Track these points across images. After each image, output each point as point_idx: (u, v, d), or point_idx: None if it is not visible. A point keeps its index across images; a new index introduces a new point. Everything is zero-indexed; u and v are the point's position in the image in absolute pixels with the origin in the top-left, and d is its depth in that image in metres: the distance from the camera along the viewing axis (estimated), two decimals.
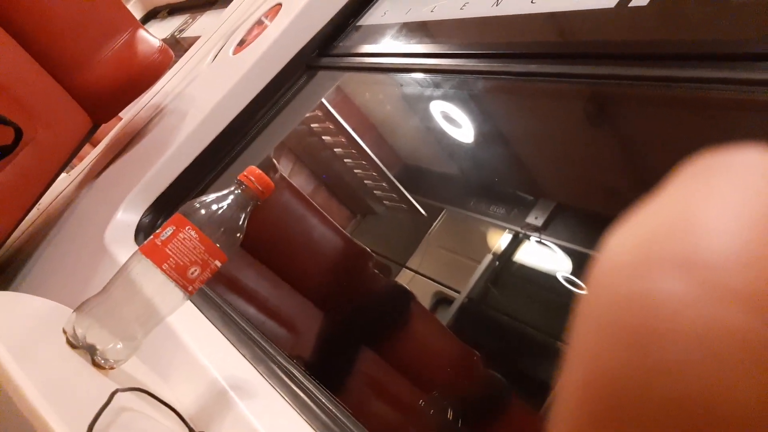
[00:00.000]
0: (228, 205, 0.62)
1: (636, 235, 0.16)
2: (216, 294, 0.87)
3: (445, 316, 1.19)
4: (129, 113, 1.47)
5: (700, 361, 0.13)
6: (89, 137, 1.19)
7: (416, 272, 1.30)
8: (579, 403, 0.15)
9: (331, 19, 1.14)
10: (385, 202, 1.48)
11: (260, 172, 0.63)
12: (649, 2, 0.68)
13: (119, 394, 0.53)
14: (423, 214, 1.42)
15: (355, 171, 1.53)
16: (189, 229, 0.60)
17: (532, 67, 0.81)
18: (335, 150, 1.54)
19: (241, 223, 0.63)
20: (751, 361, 0.13)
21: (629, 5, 0.71)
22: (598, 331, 0.15)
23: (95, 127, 1.19)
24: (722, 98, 0.61)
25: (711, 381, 0.13)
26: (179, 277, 0.59)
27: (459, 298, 1.20)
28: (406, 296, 1.21)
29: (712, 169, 0.16)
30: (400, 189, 1.45)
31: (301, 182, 1.52)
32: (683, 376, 0.13)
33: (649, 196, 0.17)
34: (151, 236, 0.62)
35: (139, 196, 1.01)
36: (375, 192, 1.49)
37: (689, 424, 0.13)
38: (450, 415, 0.95)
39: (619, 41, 0.72)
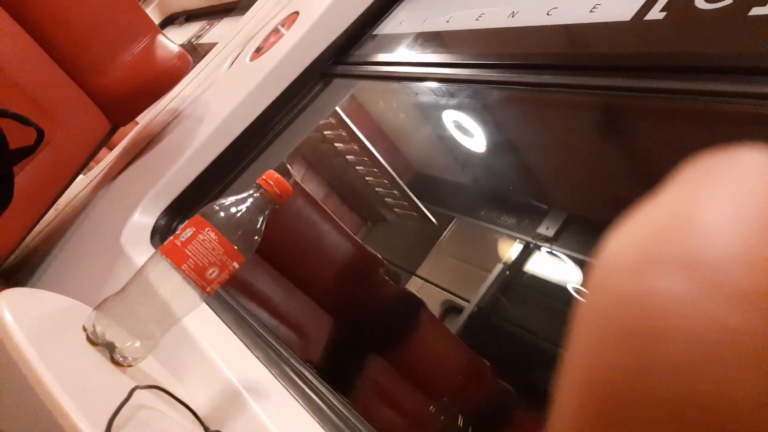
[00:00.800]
0: (247, 208, 0.63)
1: (636, 234, 0.16)
2: (231, 297, 0.88)
3: (455, 324, 1.19)
4: (146, 117, 1.48)
5: (700, 361, 0.13)
6: (107, 140, 1.21)
7: (426, 280, 1.30)
8: (579, 403, 0.15)
9: (348, 28, 1.16)
10: (396, 209, 1.49)
11: (279, 176, 0.64)
12: (666, 15, 0.69)
13: (137, 391, 0.54)
14: (434, 223, 1.42)
15: (367, 178, 1.54)
16: (209, 230, 0.61)
17: (547, 78, 0.82)
18: (347, 157, 1.55)
19: (259, 226, 0.64)
20: (750, 361, 0.13)
21: (645, 18, 0.72)
22: (598, 331, 0.15)
23: (113, 129, 1.20)
24: (738, 112, 0.62)
25: (711, 381, 0.13)
26: (198, 277, 0.60)
27: (468, 307, 1.20)
28: (416, 304, 1.21)
29: (713, 169, 0.16)
30: (411, 197, 1.46)
31: (313, 188, 1.53)
32: (683, 376, 0.13)
33: (649, 195, 0.17)
34: (171, 237, 0.63)
35: (155, 199, 1.02)
36: (386, 199, 1.49)
37: (689, 424, 0.13)
38: (460, 422, 0.95)
39: (634, 54, 0.73)
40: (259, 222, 0.64)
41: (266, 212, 0.64)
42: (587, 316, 0.16)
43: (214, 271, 0.61)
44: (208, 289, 0.62)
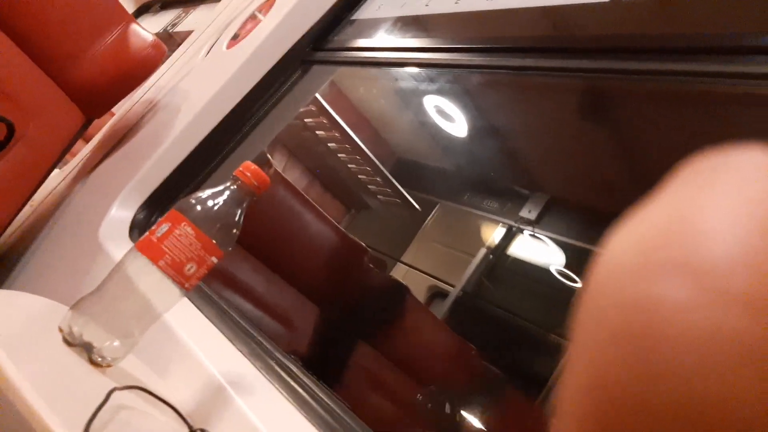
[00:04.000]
0: (224, 200, 0.62)
1: (637, 238, 0.16)
2: (212, 290, 0.87)
3: (440, 309, 1.19)
4: (122, 108, 1.46)
5: (705, 366, 0.13)
6: (82, 133, 1.18)
7: (411, 266, 1.30)
8: (583, 408, 0.15)
9: (326, 13, 1.14)
10: (379, 196, 1.48)
11: (256, 167, 0.63)
12: None
13: (117, 392, 0.53)
14: (417, 209, 1.42)
15: (349, 166, 1.53)
16: (185, 225, 0.60)
17: (527, 61, 0.81)
18: (329, 145, 1.54)
19: (237, 218, 0.62)
20: (752, 366, 0.13)
21: None
22: (601, 337, 0.15)
23: (88, 122, 1.18)
24: (716, 92, 0.61)
25: (713, 385, 0.13)
26: (176, 273, 0.59)
27: (453, 292, 1.20)
28: (401, 291, 1.21)
29: (713, 170, 0.16)
30: (394, 183, 1.45)
31: (295, 177, 1.52)
32: (688, 381, 0.13)
33: (648, 196, 0.17)
34: (147, 233, 0.61)
35: (133, 192, 1.00)
36: (369, 186, 1.49)
37: (695, 429, 0.13)
38: (447, 408, 0.96)
39: (613, 35, 0.72)
40: (237, 215, 0.63)
41: (244, 204, 0.63)
42: (589, 322, 0.16)
43: (192, 267, 0.60)
44: (186, 285, 0.60)
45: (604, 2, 0.73)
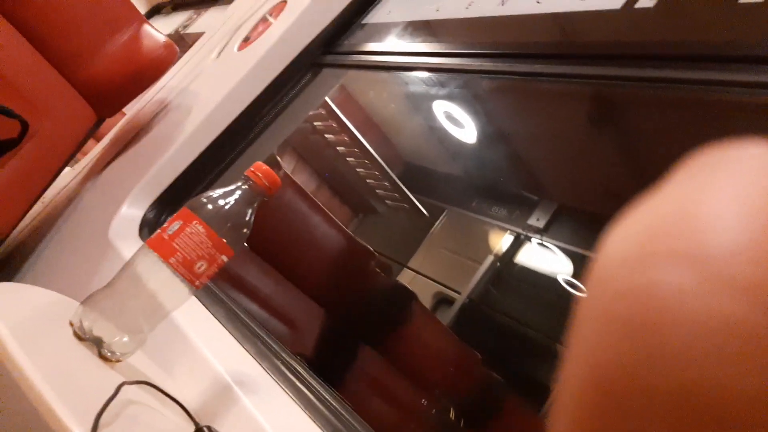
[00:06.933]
0: (235, 200, 0.62)
1: (639, 227, 0.16)
2: (220, 290, 0.87)
3: (446, 316, 1.19)
4: (133, 108, 1.47)
5: (702, 353, 0.13)
6: (94, 131, 1.19)
7: (417, 272, 1.30)
8: (581, 393, 0.16)
9: (336, 17, 1.14)
10: (387, 201, 1.48)
11: (267, 167, 0.64)
12: (656, 3, 0.69)
13: (125, 386, 0.53)
14: (425, 214, 1.42)
15: (358, 170, 1.53)
16: (196, 223, 0.60)
17: (537, 68, 0.81)
18: (338, 148, 1.54)
19: (247, 218, 0.63)
20: (752, 352, 0.13)
21: (635, 6, 0.71)
22: (601, 324, 0.15)
23: (100, 121, 1.19)
24: (728, 101, 0.61)
25: (712, 372, 0.13)
26: (186, 271, 0.60)
27: (460, 299, 1.20)
28: (407, 296, 1.21)
29: (714, 163, 0.17)
30: (402, 188, 1.45)
31: (304, 180, 1.52)
32: (685, 367, 0.13)
33: (651, 189, 0.17)
34: (159, 230, 0.62)
35: (143, 191, 1.01)
36: (377, 191, 1.49)
37: (691, 415, 0.13)
38: (452, 413, 0.95)
39: (624, 42, 0.72)
40: (248, 214, 0.63)
41: (255, 204, 0.63)
42: (589, 309, 0.16)
43: (202, 265, 0.60)
44: (197, 283, 0.61)
45: (615, 9, 0.73)
